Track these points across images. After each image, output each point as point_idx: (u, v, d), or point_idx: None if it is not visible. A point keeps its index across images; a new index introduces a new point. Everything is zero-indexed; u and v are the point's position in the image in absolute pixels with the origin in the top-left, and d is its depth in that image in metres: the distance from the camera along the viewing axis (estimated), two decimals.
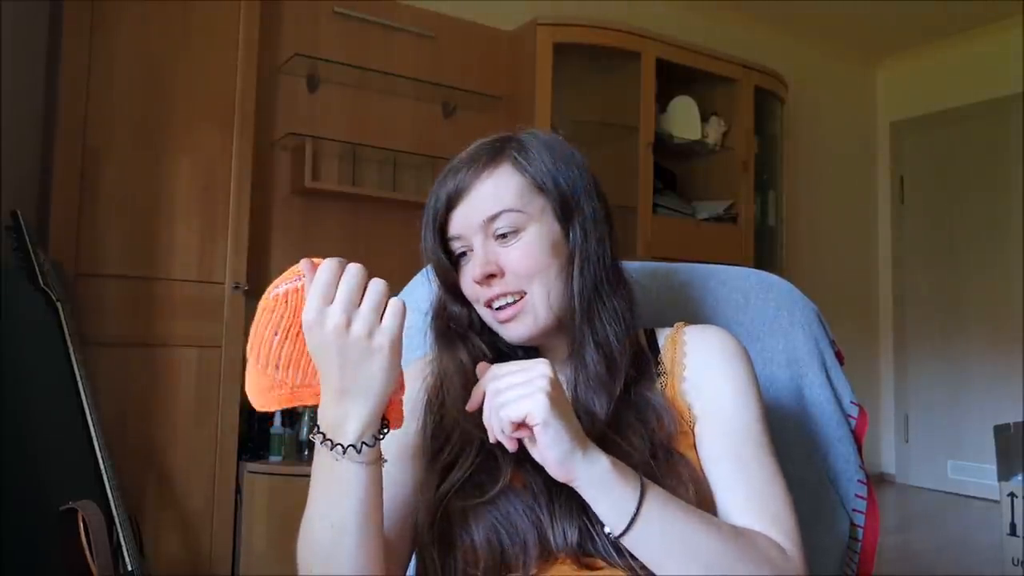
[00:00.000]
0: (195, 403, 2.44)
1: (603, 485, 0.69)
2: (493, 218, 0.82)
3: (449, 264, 0.86)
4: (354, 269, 0.68)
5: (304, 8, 2.91)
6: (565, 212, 0.84)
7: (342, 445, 0.68)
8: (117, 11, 2.37)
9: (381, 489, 0.73)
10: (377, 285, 0.68)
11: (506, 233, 0.82)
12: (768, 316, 1.12)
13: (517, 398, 0.68)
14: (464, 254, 0.85)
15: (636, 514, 0.68)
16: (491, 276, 0.82)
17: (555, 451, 0.68)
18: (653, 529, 0.69)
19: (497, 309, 0.83)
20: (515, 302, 0.82)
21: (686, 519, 0.71)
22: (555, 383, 0.69)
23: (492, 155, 0.84)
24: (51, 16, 2.44)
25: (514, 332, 0.84)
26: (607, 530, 0.71)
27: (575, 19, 3.32)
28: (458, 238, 0.84)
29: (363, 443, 0.69)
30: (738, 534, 0.74)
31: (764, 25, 4.41)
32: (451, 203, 0.83)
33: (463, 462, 0.80)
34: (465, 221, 0.83)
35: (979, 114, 4.51)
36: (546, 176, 0.83)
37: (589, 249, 0.83)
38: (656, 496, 0.70)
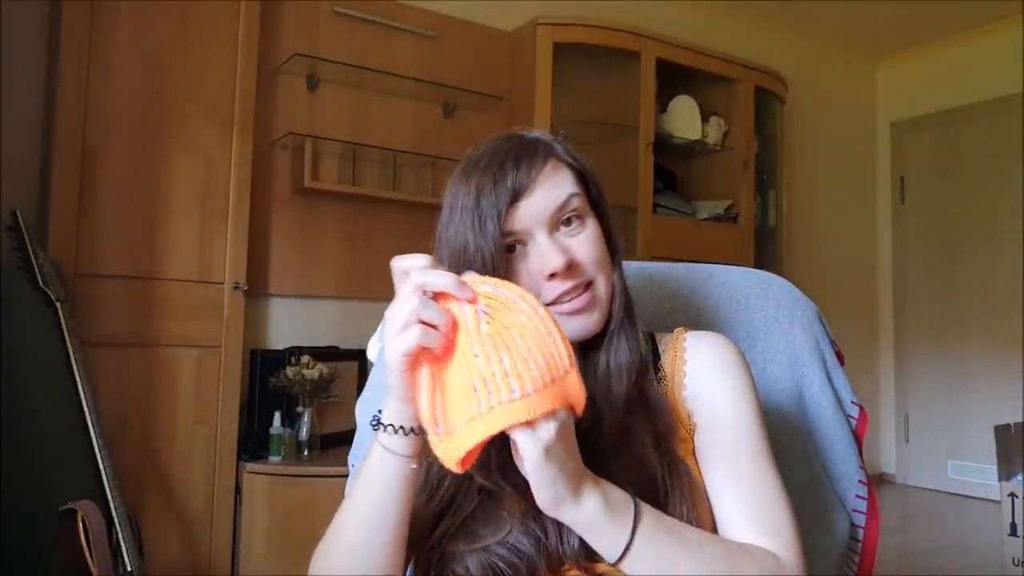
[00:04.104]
0: (194, 403, 2.44)
1: (592, 527, 0.68)
2: (564, 204, 0.80)
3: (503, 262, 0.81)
4: (413, 297, 0.66)
5: (304, 8, 2.91)
6: (602, 207, 0.85)
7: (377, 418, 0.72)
8: (117, 11, 2.37)
9: (404, 495, 0.73)
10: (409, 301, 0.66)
11: (571, 219, 0.81)
12: (768, 316, 1.12)
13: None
14: (513, 248, 0.81)
15: (628, 546, 0.68)
16: (570, 267, 0.79)
17: (543, 492, 0.65)
18: (647, 558, 0.68)
19: (565, 302, 0.80)
20: (582, 293, 0.80)
21: (682, 544, 0.70)
22: (565, 428, 0.64)
23: (545, 151, 0.82)
24: (51, 16, 2.44)
25: (580, 326, 0.80)
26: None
27: (575, 19, 3.31)
28: (516, 232, 0.80)
29: (379, 421, 0.71)
30: (733, 551, 0.73)
31: (764, 25, 4.41)
32: (515, 197, 0.79)
33: (458, 507, 0.78)
34: (530, 214, 0.79)
35: (979, 114, 4.51)
36: (586, 171, 0.85)
37: (620, 245, 0.86)
38: (649, 525, 0.69)
